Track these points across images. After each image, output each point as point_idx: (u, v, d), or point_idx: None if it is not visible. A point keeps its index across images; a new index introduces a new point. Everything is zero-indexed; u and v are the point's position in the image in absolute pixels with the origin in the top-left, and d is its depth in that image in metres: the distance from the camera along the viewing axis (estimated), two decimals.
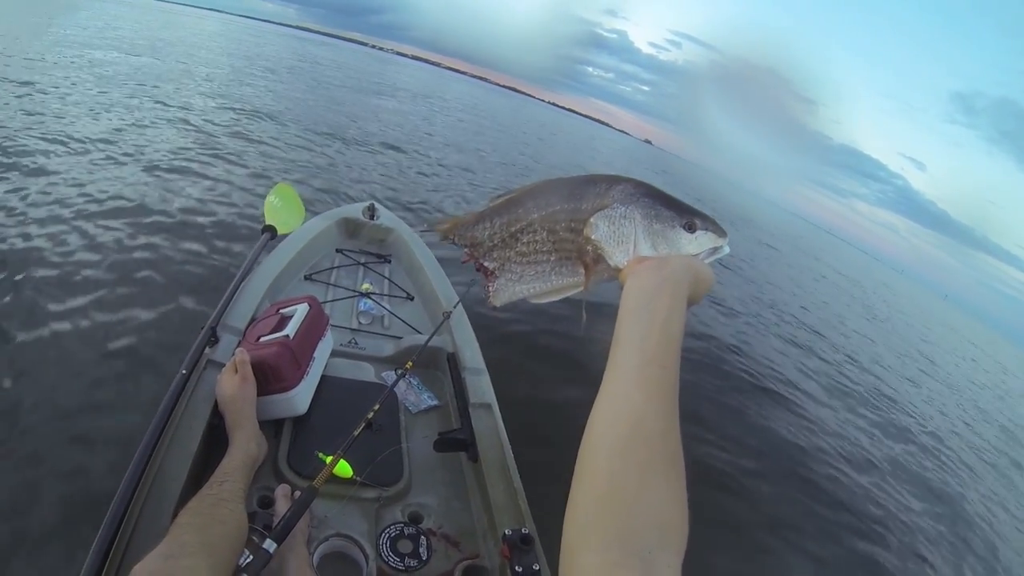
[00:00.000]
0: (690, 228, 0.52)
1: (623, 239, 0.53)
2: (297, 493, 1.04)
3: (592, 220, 0.53)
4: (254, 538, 0.91)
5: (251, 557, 0.85)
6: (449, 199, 6.65)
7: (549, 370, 3.17)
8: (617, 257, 0.53)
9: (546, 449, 2.17)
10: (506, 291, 0.59)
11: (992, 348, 28.68)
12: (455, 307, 1.80)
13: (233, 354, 1.22)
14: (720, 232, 0.53)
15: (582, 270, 0.56)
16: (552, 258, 0.56)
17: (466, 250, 0.60)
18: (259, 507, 1.05)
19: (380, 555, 1.04)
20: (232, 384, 1.15)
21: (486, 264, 0.59)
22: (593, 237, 0.53)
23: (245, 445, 1.06)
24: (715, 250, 0.53)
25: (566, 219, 0.55)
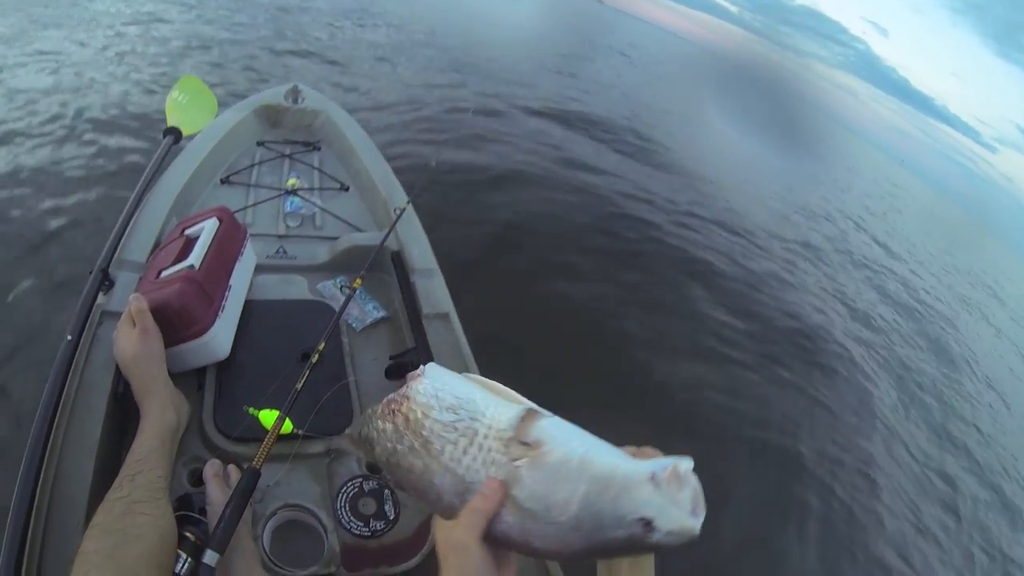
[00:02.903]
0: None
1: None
2: (231, 468, 0.87)
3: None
4: (188, 535, 0.73)
5: (187, 561, 0.70)
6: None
7: (518, 267, 2.84)
8: None
9: (518, 363, 2.00)
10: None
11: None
12: (408, 204, 1.54)
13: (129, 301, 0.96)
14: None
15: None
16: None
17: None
18: (191, 485, 0.88)
19: (340, 522, 0.91)
20: (131, 341, 0.91)
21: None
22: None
23: (160, 415, 0.86)
24: None
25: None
